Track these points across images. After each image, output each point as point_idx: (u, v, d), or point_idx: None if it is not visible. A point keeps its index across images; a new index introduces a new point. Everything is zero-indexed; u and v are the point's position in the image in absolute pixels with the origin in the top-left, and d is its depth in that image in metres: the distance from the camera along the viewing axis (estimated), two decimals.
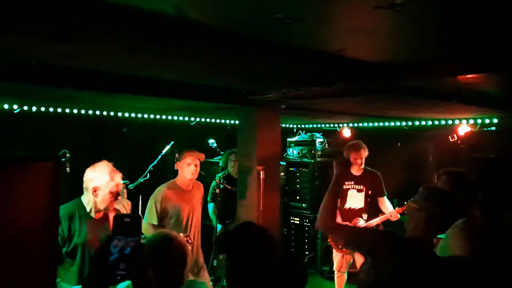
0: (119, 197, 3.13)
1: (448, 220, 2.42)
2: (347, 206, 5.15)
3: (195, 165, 4.10)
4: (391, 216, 4.90)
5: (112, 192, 3.00)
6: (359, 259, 5.03)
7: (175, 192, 4.08)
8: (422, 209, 2.36)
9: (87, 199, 3.03)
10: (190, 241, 3.46)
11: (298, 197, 6.95)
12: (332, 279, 5.44)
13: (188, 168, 4.07)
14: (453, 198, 2.43)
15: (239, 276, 1.80)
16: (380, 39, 2.39)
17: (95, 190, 2.96)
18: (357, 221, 5.05)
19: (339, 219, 5.11)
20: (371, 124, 6.79)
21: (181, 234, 3.48)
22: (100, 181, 2.96)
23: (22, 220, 1.47)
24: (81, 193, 3.08)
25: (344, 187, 5.17)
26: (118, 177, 3.05)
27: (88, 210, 3.03)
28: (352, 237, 2.51)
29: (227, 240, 1.92)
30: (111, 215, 3.12)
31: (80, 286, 2.68)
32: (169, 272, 2.11)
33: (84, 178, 3.01)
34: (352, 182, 5.15)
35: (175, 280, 2.12)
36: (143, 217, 4.11)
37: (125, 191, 5.04)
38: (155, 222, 3.98)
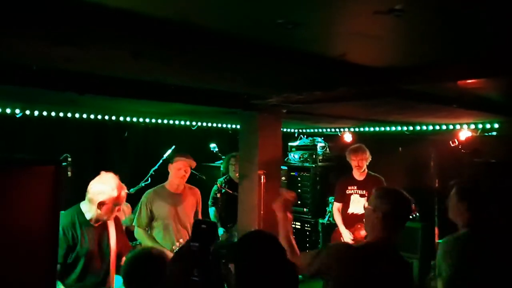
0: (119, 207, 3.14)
1: (402, 218, 2.45)
2: (350, 211, 5.14)
3: (185, 171, 4.12)
4: None
5: (116, 204, 3.01)
6: None
7: (162, 194, 4.11)
8: (376, 210, 2.40)
9: (87, 208, 3.00)
10: None
11: (299, 202, 6.94)
12: None
13: (178, 172, 4.10)
14: (404, 196, 2.46)
15: (247, 286, 1.79)
16: (381, 44, 2.40)
17: (101, 204, 2.94)
18: (359, 226, 5.04)
19: (342, 227, 5.11)
20: (372, 129, 6.79)
21: (181, 240, 3.49)
22: (108, 196, 2.94)
23: (23, 223, 1.47)
24: (82, 198, 3.07)
25: (347, 192, 5.16)
26: (124, 191, 3.06)
27: (88, 218, 3.01)
28: (311, 265, 2.42)
29: (235, 249, 1.91)
30: (110, 223, 3.12)
31: None
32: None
33: (91, 190, 2.97)
34: (355, 187, 5.14)
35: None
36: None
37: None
38: (144, 226, 4.00)
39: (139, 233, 4.01)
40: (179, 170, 4.10)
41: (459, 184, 2.97)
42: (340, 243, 2.50)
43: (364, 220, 2.60)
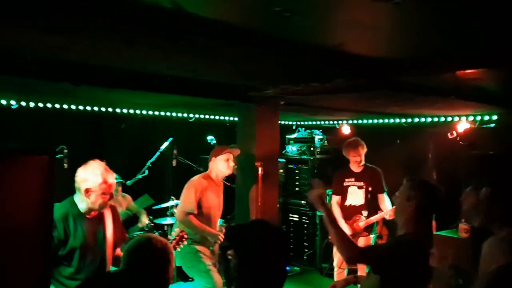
0: (114, 197, 3.10)
1: (435, 209, 2.50)
2: (347, 203, 5.14)
3: (232, 161, 4.23)
4: (387, 214, 4.89)
5: (105, 193, 2.93)
6: None
7: (211, 184, 4.17)
8: (410, 199, 2.44)
9: (79, 199, 2.97)
10: (185, 236, 3.44)
11: (297, 194, 6.94)
12: (332, 276, 5.43)
13: (227, 163, 4.17)
14: (438, 189, 2.50)
15: (246, 274, 1.78)
16: (380, 33, 2.38)
17: (87, 191, 2.89)
18: (357, 218, 5.05)
19: (342, 221, 5.10)
20: (370, 121, 6.78)
21: (176, 229, 3.47)
22: (92, 183, 2.89)
23: (16, 213, 1.46)
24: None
25: (345, 184, 5.16)
26: (111, 178, 2.98)
27: (81, 210, 2.96)
28: (379, 261, 2.44)
29: (236, 236, 1.90)
30: (106, 212, 3.09)
31: None
32: (152, 274, 2.08)
33: (76, 178, 2.94)
34: (353, 179, 5.13)
35: (160, 282, 2.09)
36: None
37: (119, 188, 5.03)
38: (194, 211, 4.00)
39: (183, 217, 4.02)
40: (228, 161, 4.18)
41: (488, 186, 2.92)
42: (397, 242, 2.49)
43: (396, 210, 2.61)
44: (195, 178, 4.20)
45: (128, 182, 4.87)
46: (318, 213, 6.58)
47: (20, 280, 1.46)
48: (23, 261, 1.46)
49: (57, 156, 3.92)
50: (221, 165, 4.18)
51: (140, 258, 2.11)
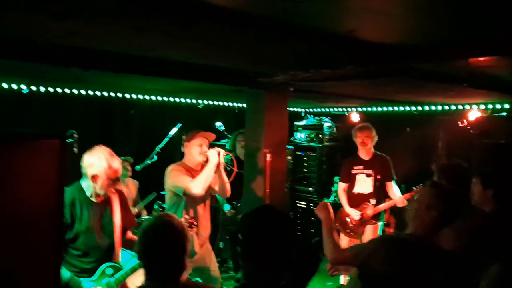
0: (119, 182, 3.12)
1: (454, 218, 2.42)
2: (355, 191, 5.13)
3: (206, 146, 3.97)
4: (398, 202, 4.88)
5: (111, 178, 2.98)
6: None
7: (187, 169, 3.94)
8: (431, 208, 2.35)
9: (86, 184, 3.01)
10: (195, 223, 3.43)
11: (305, 181, 6.94)
12: None
13: (200, 148, 3.93)
14: (461, 197, 2.47)
15: (252, 258, 1.79)
16: (392, 20, 2.34)
17: (93, 177, 2.94)
18: (365, 206, 5.04)
19: (348, 207, 5.10)
20: (380, 109, 6.73)
21: (186, 216, 3.47)
22: (98, 168, 2.93)
23: (28, 198, 1.46)
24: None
25: (353, 172, 5.14)
26: (117, 163, 3.01)
27: (88, 194, 3.01)
28: (357, 260, 2.47)
29: (244, 221, 1.91)
30: (113, 197, 3.12)
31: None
32: (169, 256, 2.05)
33: (82, 164, 2.99)
34: (361, 167, 5.11)
35: (176, 264, 2.06)
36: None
37: (129, 168, 5.05)
38: (191, 180, 3.77)
39: (189, 185, 3.74)
40: (201, 146, 3.92)
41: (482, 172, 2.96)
42: (387, 238, 2.52)
43: (410, 212, 2.53)
44: (170, 165, 3.95)
45: (137, 167, 4.89)
46: (325, 200, 6.57)
47: (33, 263, 1.47)
48: (36, 244, 1.48)
49: (67, 141, 3.94)
50: (194, 150, 3.92)
51: (157, 239, 2.07)
